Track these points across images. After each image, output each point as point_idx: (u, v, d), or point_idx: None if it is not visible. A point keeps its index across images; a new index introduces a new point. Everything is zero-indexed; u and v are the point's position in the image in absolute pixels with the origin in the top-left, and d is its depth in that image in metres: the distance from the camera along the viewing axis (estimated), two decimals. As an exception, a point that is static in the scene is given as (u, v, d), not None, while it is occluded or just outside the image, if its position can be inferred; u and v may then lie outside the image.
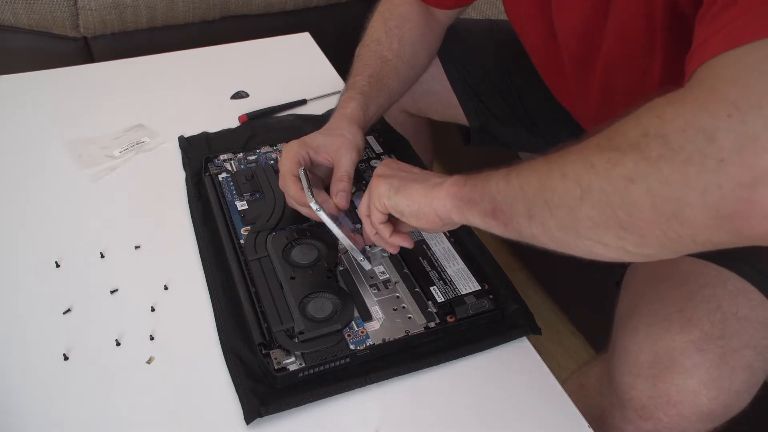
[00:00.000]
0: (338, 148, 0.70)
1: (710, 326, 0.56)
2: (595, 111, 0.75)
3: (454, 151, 1.51)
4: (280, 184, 0.70)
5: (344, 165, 0.69)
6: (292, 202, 0.70)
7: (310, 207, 0.64)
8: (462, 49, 0.94)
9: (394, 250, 0.64)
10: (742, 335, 0.56)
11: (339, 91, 0.98)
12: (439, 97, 0.96)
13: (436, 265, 0.68)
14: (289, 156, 0.69)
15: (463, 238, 0.71)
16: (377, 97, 0.78)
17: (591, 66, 0.71)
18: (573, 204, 0.43)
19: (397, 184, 0.58)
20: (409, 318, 0.63)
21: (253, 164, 0.81)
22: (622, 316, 0.63)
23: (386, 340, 0.61)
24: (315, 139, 0.71)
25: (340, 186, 0.68)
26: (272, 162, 0.81)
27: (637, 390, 0.59)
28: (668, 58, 0.61)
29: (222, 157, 0.82)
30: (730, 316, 0.56)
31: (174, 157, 0.85)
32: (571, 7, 0.68)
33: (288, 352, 0.59)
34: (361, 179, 0.79)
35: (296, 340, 0.60)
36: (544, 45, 0.76)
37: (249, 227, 0.71)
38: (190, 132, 0.88)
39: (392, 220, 0.61)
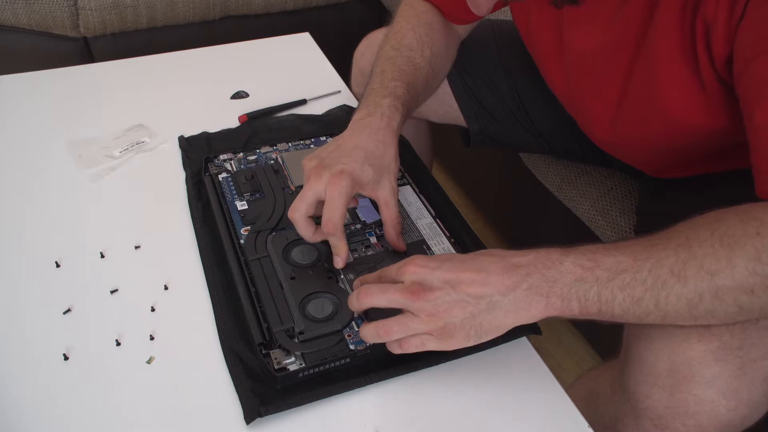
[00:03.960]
0: (385, 185, 0.67)
1: (729, 336, 0.55)
2: (608, 124, 0.75)
3: (454, 152, 1.51)
4: (327, 228, 0.64)
5: (395, 206, 0.67)
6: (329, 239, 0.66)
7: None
8: (463, 52, 0.94)
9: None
10: (761, 345, 0.55)
11: (339, 91, 0.99)
12: (438, 100, 0.96)
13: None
14: (342, 199, 0.63)
15: (463, 239, 0.71)
16: (412, 107, 0.76)
17: (605, 85, 0.71)
18: (731, 315, 0.50)
19: (474, 332, 0.53)
20: (409, 318, 0.63)
21: (253, 164, 0.81)
22: (636, 325, 0.63)
23: (386, 340, 0.61)
24: (366, 173, 0.66)
25: (398, 227, 0.68)
26: (272, 162, 0.81)
27: (654, 399, 0.58)
28: (696, 87, 0.61)
29: (222, 157, 0.82)
30: (749, 325, 0.55)
31: (174, 157, 0.85)
32: (587, 32, 0.69)
33: (288, 352, 0.59)
34: None
35: (296, 340, 0.60)
36: (555, 60, 0.76)
37: (249, 227, 0.71)
38: (190, 132, 0.88)
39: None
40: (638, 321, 0.52)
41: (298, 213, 0.65)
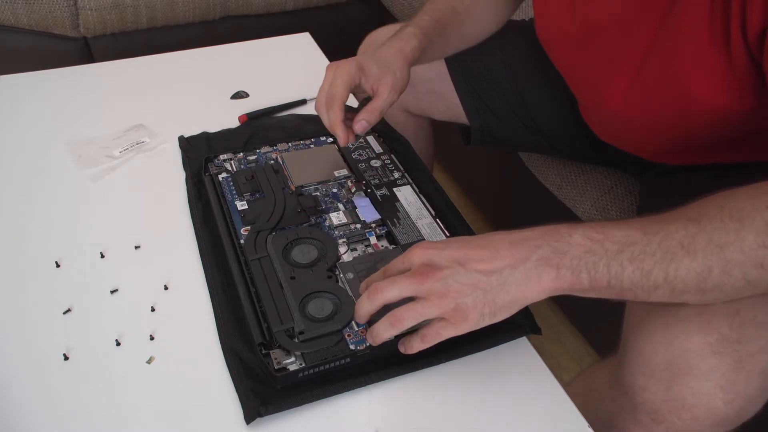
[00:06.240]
0: (386, 84, 0.71)
1: (728, 329, 0.55)
2: (620, 100, 0.73)
3: (455, 152, 1.51)
4: (324, 104, 0.70)
5: (384, 100, 0.71)
6: (323, 116, 0.71)
7: (337, 132, 0.69)
8: (465, 49, 0.94)
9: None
10: (759, 340, 0.55)
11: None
12: (441, 97, 0.96)
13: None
14: (344, 79, 0.69)
15: (463, 238, 0.71)
16: (436, 43, 0.78)
17: (623, 58, 0.69)
18: (739, 290, 0.49)
19: (488, 309, 0.52)
20: (409, 318, 0.63)
21: (253, 164, 0.81)
22: (635, 318, 0.62)
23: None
24: (371, 67, 0.71)
25: (370, 117, 0.70)
26: (272, 162, 0.81)
27: (651, 392, 0.58)
28: (720, 66, 0.60)
29: (222, 157, 0.82)
30: (748, 320, 0.55)
31: (174, 157, 0.85)
32: (606, 3, 0.68)
33: (288, 352, 0.59)
34: (361, 178, 0.79)
35: (296, 340, 0.60)
36: (572, 36, 0.75)
37: (249, 227, 0.71)
38: (190, 132, 0.88)
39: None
40: (646, 296, 0.51)
41: (319, 102, 0.70)
